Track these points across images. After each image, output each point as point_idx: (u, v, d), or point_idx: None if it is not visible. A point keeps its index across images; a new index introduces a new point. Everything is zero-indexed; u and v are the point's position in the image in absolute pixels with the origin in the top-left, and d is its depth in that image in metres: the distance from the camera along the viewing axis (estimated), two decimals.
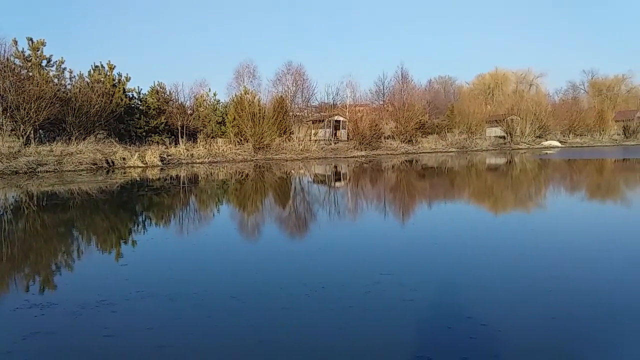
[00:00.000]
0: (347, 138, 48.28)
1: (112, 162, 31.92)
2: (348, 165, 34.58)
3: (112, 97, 39.11)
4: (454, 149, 48.48)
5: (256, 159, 39.37)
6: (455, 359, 4.49)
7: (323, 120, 48.80)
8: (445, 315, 5.51)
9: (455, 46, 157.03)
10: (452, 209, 15.43)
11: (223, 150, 40.18)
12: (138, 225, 12.78)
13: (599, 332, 5.05)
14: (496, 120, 55.19)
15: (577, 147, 53.51)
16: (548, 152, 46.72)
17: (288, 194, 19.89)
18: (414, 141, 48.62)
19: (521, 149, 50.10)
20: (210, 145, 40.95)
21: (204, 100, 46.48)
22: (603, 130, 60.39)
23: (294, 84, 53.12)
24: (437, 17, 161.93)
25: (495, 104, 63.84)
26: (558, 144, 54.43)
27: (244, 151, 40.70)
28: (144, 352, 4.78)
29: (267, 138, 41.32)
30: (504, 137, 53.65)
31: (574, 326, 5.19)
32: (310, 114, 54.82)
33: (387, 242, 9.87)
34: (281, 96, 49.19)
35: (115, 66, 40.92)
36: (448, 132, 51.32)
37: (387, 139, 48.70)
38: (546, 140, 54.72)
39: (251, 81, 51.02)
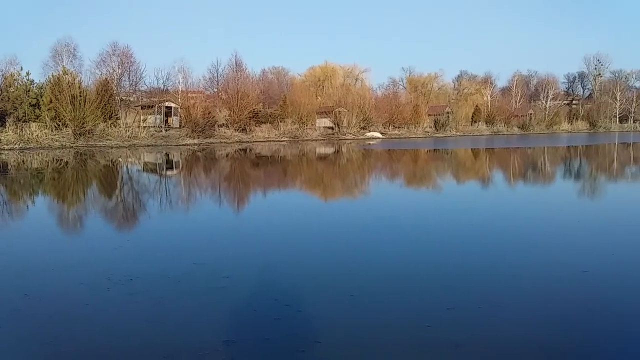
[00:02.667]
0: (180, 125, 46.74)
1: None
2: (181, 154, 33.55)
3: None
4: (286, 139, 49.77)
5: (77, 146, 36.18)
6: (258, 340, 4.63)
7: (153, 106, 46.53)
8: (254, 299, 5.67)
9: (289, 38, 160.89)
10: (284, 197, 15.88)
11: (37, 135, 36.23)
12: None
13: (369, 299, 5.63)
14: (325, 112, 57.83)
15: (395, 138, 58.48)
16: (371, 142, 50.35)
17: (113, 183, 18.67)
18: (247, 130, 48.82)
19: (347, 139, 53.24)
20: (22, 130, 36.63)
21: (15, 80, 41.22)
22: (418, 124, 66.73)
23: (120, 66, 49.65)
24: (272, 8, 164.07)
25: (325, 96, 66.76)
26: (379, 135, 58.91)
27: (62, 137, 37.15)
28: None
29: (90, 123, 38.16)
30: (332, 128, 56.49)
31: (369, 300, 5.71)
32: (139, 99, 51.96)
33: (209, 232, 9.84)
34: (106, 79, 45.86)
35: None
36: (281, 121, 52.46)
37: (221, 127, 48.19)
38: (369, 131, 58.90)
39: (71, 61, 46.24)
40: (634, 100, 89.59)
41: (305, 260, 7.47)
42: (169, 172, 23.15)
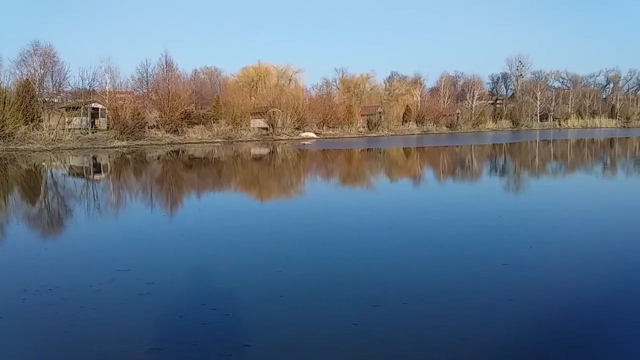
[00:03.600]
0: (107, 127, 45.02)
1: None
2: (109, 157, 32.36)
3: None
4: (220, 140, 49.05)
5: None
6: (185, 346, 4.58)
7: (79, 108, 44.55)
8: (181, 305, 5.59)
9: (221, 38, 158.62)
10: (216, 200, 15.68)
11: None
12: None
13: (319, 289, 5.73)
14: (259, 112, 57.49)
15: (330, 138, 59.04)
16: (306, 142, 50.57)
17: (36, 189, 17.77)
18: (179, 131, 47.74)
19: (282, 139, 53.21)
20: None
21: None
22: (351, 124, 67.68)
23: (43, 67, 47.26)
24: (203, 7, 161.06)
25: (259, 97, 66.30)
26: (314, 135, 59.27)
27: None
28: None
29: (10, 126, 36.10)
30: (267, 129, 56.26)
31: (298, 300, 5.80)
32: (64, 101, 49.64)
33: (136, 237, 9.60)
34: (27, 79, 43.54)
35: None
36: (214, 122, 51.67)
37: (152, 128, 46.85)
38: (304, 132, 59.13)
39: None
40: (553, 99, 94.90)
41: (234, 263, 7.43)
42: (96, 176, 22.29)
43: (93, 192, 17.24)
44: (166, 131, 47.03)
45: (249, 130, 55.60)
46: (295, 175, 22.21)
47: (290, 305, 5.59)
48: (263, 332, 4.89)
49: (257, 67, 79.14)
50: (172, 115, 47.02)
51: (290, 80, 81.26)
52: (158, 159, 31.03)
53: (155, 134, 46.50)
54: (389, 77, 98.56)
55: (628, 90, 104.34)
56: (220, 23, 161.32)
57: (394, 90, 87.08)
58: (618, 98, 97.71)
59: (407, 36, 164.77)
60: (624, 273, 6.68)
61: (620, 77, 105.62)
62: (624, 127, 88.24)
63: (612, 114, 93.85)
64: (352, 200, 14.66)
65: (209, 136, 49.94)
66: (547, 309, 5.42)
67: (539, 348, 4.56)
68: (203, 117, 53.65)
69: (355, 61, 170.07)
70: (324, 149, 39.63)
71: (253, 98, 65.89)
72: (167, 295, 5.93)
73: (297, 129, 58.64)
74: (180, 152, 36.89)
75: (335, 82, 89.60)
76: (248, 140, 51.39)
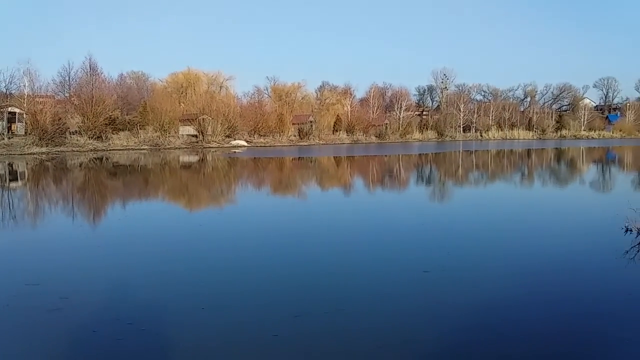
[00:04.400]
0: (25, 132, 42.63)
1: None
2: (26, 163, 30.63)
3: None
4: (147, 147, 47.64)
5: None
6: None
7: None
8: (94, 320, 5.41)
9: (149, 42, 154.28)
10: (141, 209, 15.24)
11: None
12: None
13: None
14: (189, 119, 56.38)
15: (261, 146, 58.79)
16: (236, 151, 50.07)
17: None
18: (103, 137, 45.98)
19: (212, 147, 52.40)
20: None
21: None
22: (283, 132, 67.77)
23: None
24: (129, 9, 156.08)
25: (189, 103, 64.92)
26: (245, 143, 58.81)
27: None
28: None
29: None
30: (196, 136, 55.26)
31: (218, 311, 5.79)
32: None
33: (50, 249, 9.09)
34: None
35: None
36: (141, 129, 50.14)
37: (74, 134, 44.82)
38: (235, 139, 58.55)
39: None
40: (475, 111, 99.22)
41: (152, 275, 7.24)
42: (12, 184, 21.03)
43: (8, 201, 16.27)
44: (89, 137, 45.17)
45: (178, 137, 54.41)
46: (226, 183, 21.97)
47: (209, 318, 5.51)
48: (180, 345, 4.82)
49: (187, 73, 77.57)
50: (95, 121, 45.25)
51: (221, 87, 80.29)
52: (80, 166, 29.70)
53: (78, 140, 44.54)
54: (320, 86, 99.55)
55: (544, 104, 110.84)
56: (149, 26, 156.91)
57: (325, 100, 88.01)
58: (535, 111, 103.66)
59: (338, 46, 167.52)
60: (537, 276, 7.12)
61: (536, 92, 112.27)
62: (539, 138, 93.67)
63: (529, 126, 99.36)
64: (280, 209, 14.69)
65: (135, 143, 48.41)
66: (466, 313, 5.70)
67: (459, 349, 4.78)
68: (129, 123, 51.94)
69: (287, 70, 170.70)
70: (255, 157, 39.43)
71: (182, 104, 64.46)
72: (79, 310, 5.68)
73: (228, 136, 58.02)
74: (104, 159, 35.50)
75: (267, 90, 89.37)
76: (177, 148, 50.26)
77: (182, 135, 55.49)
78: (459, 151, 51.08)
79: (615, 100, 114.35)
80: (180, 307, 5.81)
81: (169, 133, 52.97)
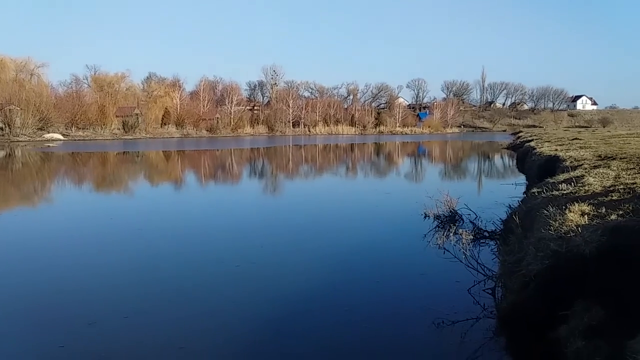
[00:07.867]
0: None
1: None
2: None
3: None
4: None
5: None
6: None
7: None
8: None
9: None
10: None
11: None
12: None
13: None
14: None
15: (80, 140, 54.07)
16: (51, 145, 45.44)
17: None
18: None
19: (22, 141, 47.04)
20: None
21: None
22: (105, 125, 63.19)
23: None
24: None
25: None
26: (61, 137, 53.67)
27: None
28: None
29: None
30: (2, 129, 49.07)
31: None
32: None
33: None
34: None
35: None
36: None
37: None
38: (48, 132, 53.16)
39: None
40: (304, 107, 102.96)
41: None
42: None
43: None
44: None
45: None
46: (40, 180, 19.91)
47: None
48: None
49: None
50: None
51: (32, 75, 71.91)
52: None
53: None
54: (147, 77, 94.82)
55: (365, 101, 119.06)
56: None
57: (152, 92, 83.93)
58: (357, 108, 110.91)
59: (166, 37, 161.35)
60: (346, 264, 7.75)
61: (358, 90, 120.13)
62: (361, 134, 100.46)
63: (352, 123, 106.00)
64: (97, 208, 13.76)
65: None
66: (276, 305, 5.93)
67: (267, 345, 4.95)
68: None
69: (109, 59, 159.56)
70: (73, 152, 36.24)
71: None
72: None
73: (41, 129, 52.56)
74: None
75: (87, 79, 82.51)
76: None
77: None
78: (289, 145, 52.62)
79: (425, 100, 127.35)
80: None
81: None
